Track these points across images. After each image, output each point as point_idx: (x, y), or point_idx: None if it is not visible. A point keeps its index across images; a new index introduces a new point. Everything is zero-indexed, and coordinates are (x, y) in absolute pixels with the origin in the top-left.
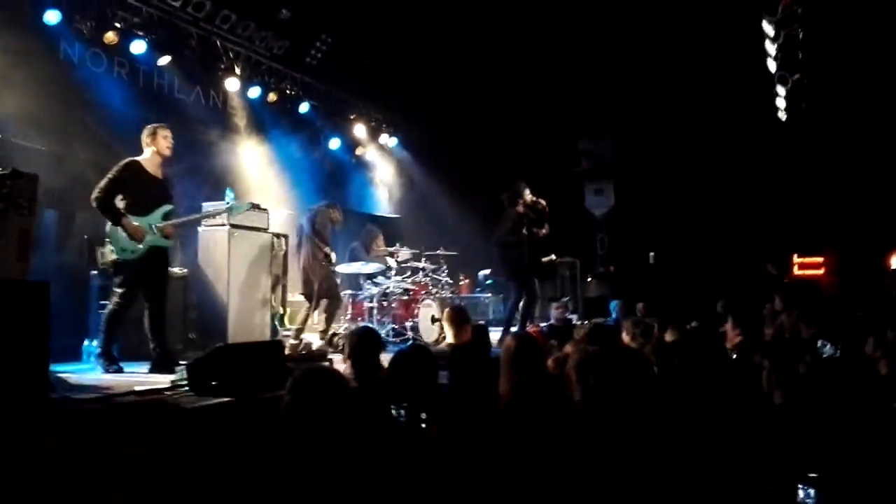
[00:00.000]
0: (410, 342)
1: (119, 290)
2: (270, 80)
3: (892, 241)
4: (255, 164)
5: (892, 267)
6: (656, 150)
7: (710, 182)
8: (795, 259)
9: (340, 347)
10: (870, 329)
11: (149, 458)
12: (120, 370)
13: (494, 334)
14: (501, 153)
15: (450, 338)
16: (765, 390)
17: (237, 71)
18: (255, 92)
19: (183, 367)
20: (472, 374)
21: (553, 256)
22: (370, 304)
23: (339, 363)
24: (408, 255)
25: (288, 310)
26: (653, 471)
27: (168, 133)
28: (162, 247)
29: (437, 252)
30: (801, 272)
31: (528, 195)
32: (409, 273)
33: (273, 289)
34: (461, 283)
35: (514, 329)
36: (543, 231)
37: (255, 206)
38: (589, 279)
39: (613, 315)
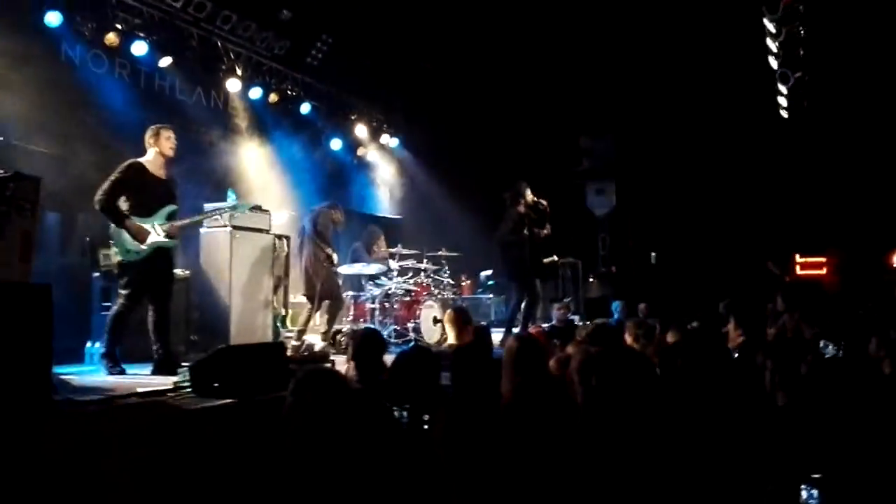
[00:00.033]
0: (412, 343)
1: (124, 292)
2: (271, 81)
3: (894, 240)
4: (256, 165)
5: (895, 266)
6: (658, 149)
7: (712, 181)
8: (797, 259)
9: (344, 346)
10: (872, 329)
11: (151, 460)
12: (122, 372)
13: (496, 335)
14: (503, 153)
15: (451, 339)
16: (767, 391)
17: (238, 72)
18: (256, 93)
19: (185, 368)
20: (474, 375)
21: (555, 257)
22: (372, 305)
23: (342, 364)
24: (409, 255)
25: (290, 311)
26: (655, 471)
27: (171, 134)
28: (166, 247)
29: (439, 253)
30: (803, 272)
31: (529, 195)
32: (410, 274)
33: (275, 290)
34: (463, 283)
35: (515, 330)
36: (545, 231)
37: (257, 208)
38: (591, 279)
39: (616, 316)
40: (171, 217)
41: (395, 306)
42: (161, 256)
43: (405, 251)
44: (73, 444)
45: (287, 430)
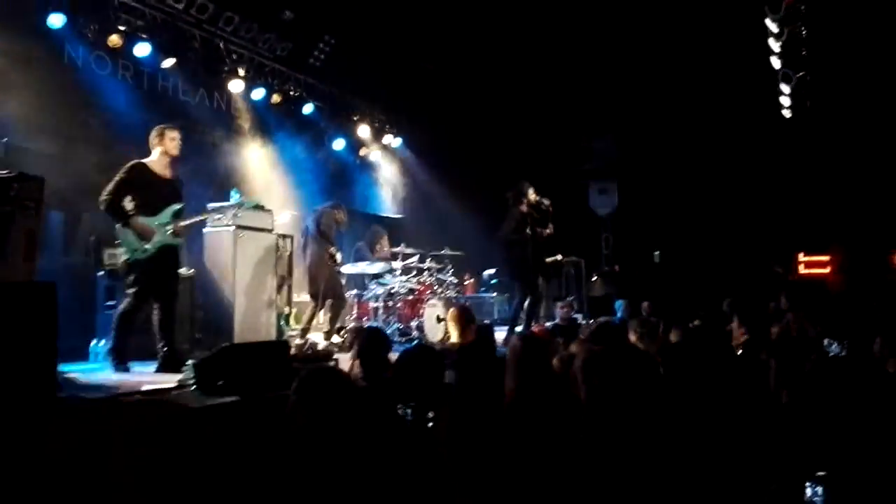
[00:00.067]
0: (416, 342)
1: (131, 291)
2: (274, 82)
3: None
4: (259, 165)
5: None
6: (661, 148)
7: (715, 181)
8: (801, 258)
9: (347, 343)
10: (876, 327)
11: (156, 458)
12: (127, 369)
13: (500, 334)
14: (506, 152)
15: (454, 337)
16: (771, 389)
17: (241, 73)
18: (258, 93)
19: (190, 366)
20: (477, 373)
21: (559, 257)
22: (375, 304)
23: (345, 362)
24: (412, 255)
25: (293, 310)
26: (659, 469)
27: (176, 134)
28: (172, 246)
29: (442, 252)
30: (806, 271)
31: (532, 194)
32: (414, 273)
33: (278, 289)
34: (466, 282)
35: (518, 329)
36: (547, 231)
37: (261, 207)
38: (594, 278)
39: (619, 314)
40: (176, 216)
41: (398, 305)
42: (167, 255)
43: (408, 250)
44: (78, 441)
45: (291, 429)
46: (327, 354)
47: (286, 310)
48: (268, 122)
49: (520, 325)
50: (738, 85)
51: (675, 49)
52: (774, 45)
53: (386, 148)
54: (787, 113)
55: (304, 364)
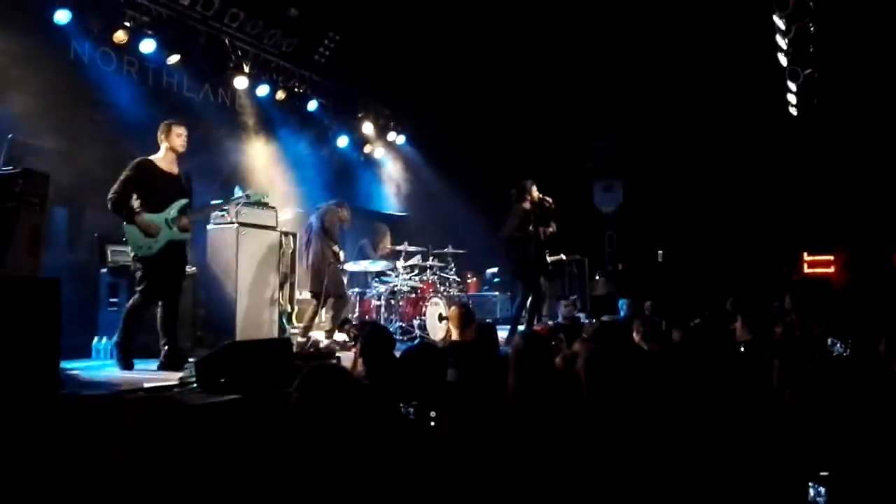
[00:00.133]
0: (418, 340)
1: (139, 287)
2: (279, 79)
3: None
4: (263, 162)
5: None
6: (666, 146)
7: (720, 179)
8: (806, 257)
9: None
10: (881, 327)
11: (158, 455)
12: (131, 366)
13: (502, 333)
14: (510, 150)
15: (454, 335)
16: (775, 388)
17: (246, 69)
18: (263, 90)
19: (192, 364)
20: (478, 372)
21: (563, 256)
22: (378, 302)
23: (347, 361)
24: (415, 252)
25: (296, 308)
26: (661, 467)
27: (182, 130)
28: (179, 241)
29: (446, 250)
30: (811, 270)
31: (535, 192)
32: (416, 271)
33: (281, 287)
34: (469, 281)
35: (520, 328)
36: (550, 229)
37: (264, 204)
38: (597, 277)
39: (622, 313)
40: (182, 211)
41: (400, 303)
42: (174, 251)
43: (411, 248)
44: (80, 438)
45: (293, 426)
46: (330, 352)
47: (288, 308)
48: (272, 119)
49: (522, 324)
50: (745, 82)
51: (682, 46)
52: (782, 42)
53: (390, 145)
54: (794, 111)
55: (307, 362)
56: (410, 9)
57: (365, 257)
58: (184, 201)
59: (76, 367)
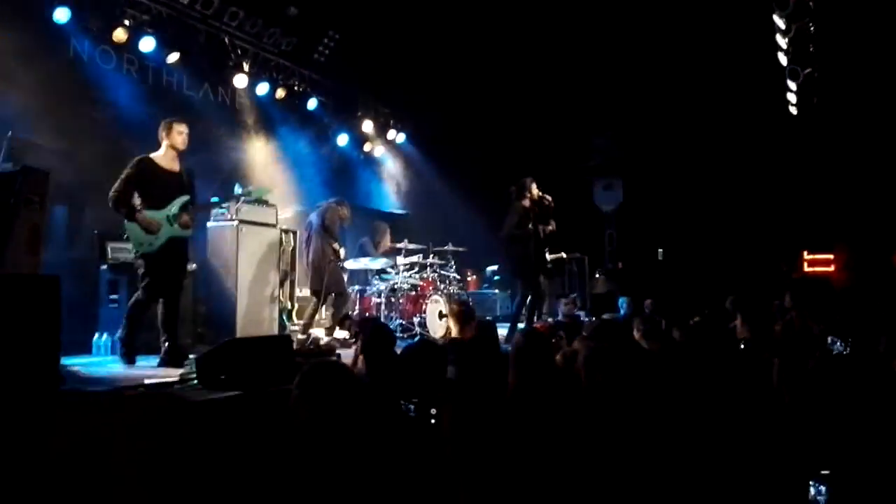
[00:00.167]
0: (418, 338)
1: (142, 283)
2: (278, 77)
3: None
4: (263, 160)
5: None
6: (666, 145)
7: (720, 178)
8: (805, 256)
9: (352, 334)
10: (881, 325)
11: (157, 451)
12: (133, 362)
13: (502, 331)
14: (510, 148)
15: (454, 333)
16: (774, 387)
17: (245, 68)
18: (263, 88)
19: (192, 360)
20: (477, 369)
21: (563, 254)
22: (378, 300)
23: (347, 358)
24: (414, 250)
25: (296, 305)
26: (661, 466)
27: (183, 128)
28: (180, 238)
29: (446, 248)
30: (811, 269)
31: (535, 190)
32: (416, 269)
33: (281, 284)
34: (469, 279)
35: (520, 326)
36: (550, 227)
37: (265, 202)
38: (597, 275)
39: (622, 312)
40: (184, 208)
41: (400, 301)
42: (175, 247)
43: (411, 246)
44: (81, 434)
45: (293, 423)
46: (330, 349)
47: (288, 305)
48: (272, 117)
49: (521, 322)
50: (745, 81)
51: (682, 45)
52: (782, 42)
53: (390, 143)
54: (793, 110)
55: (307, 359)
56: (410, 7)
57: (366, 255)
58: (185, 198)
59: (76, 364)
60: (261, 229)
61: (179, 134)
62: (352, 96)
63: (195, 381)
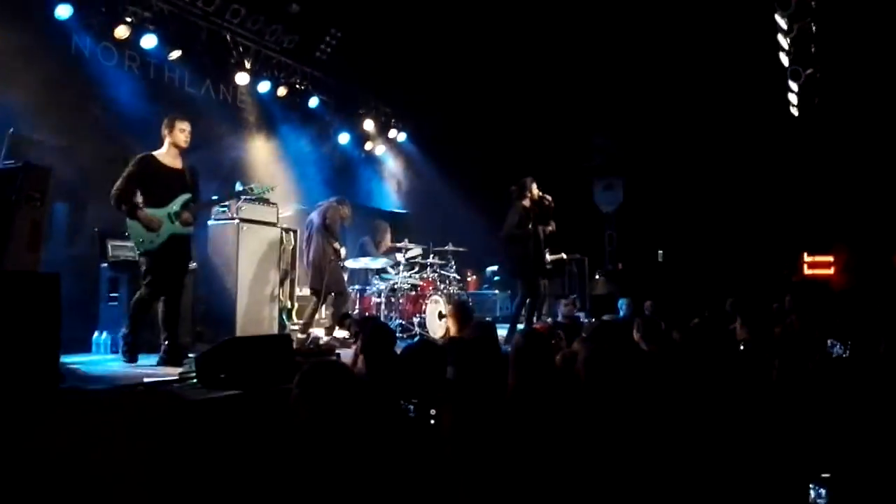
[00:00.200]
0: (418, 338)
1: (145, 281)
2: (280, 75)
3: None
4: (264, 158)
5: None
6: (666, 146)
7: (721, 179)
8: (805, 258)
9: (352, 334)
10: (880, 328)
11: (157, 450)
12: (134, 360)
13: (502, 332)
14: (511, 148)
15: (453, 332)
16: (774, 390)
17: (247, 65)
18: (264, 86)
19: (191, 359)
20: (476, 369)
21: (563, 255)
22: (378, 300)
23: (346, 357)
24: (415, 250)
25: (296, 304)
26: (661, 467)
27: (186, 125)
28: (181, 235)
29: (446, 248)
30: (810, 271)
31: (535, 190)
32: (416, 269)
33: (281, 283)
34: (469, 279)
35: (520, 326)
36: (550, 228)
37: (265, 201)
38: (597, 276)
39: (621, 313)
40: (186, 206)
41: (400, 301)
42: (177, 245)
43: (411, 245)
44: (80, 432)
45: (293, 423)
46: (330, 349)
47: (288, 304)
48: (273, 115)
49: (521, 322)
50: (747, 82)
51: (683, 45)
52: (783, 42)
53: (391, 142)
54: (795, 111)
55: (307, 358)
56: (412, 6)
57: (366, 255)
58: (187, 196)
59: (76, 362)
60: (261, 228)
61: (182, 131)
62: (353, 95)
63: (195, 380)
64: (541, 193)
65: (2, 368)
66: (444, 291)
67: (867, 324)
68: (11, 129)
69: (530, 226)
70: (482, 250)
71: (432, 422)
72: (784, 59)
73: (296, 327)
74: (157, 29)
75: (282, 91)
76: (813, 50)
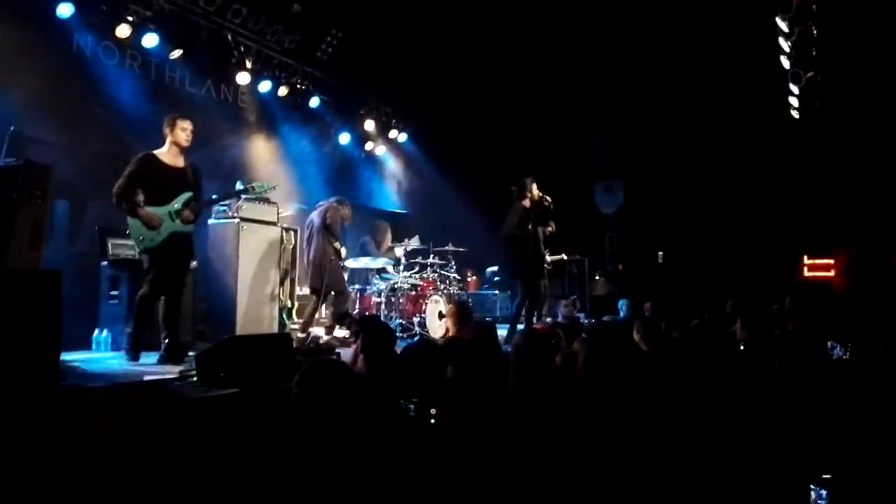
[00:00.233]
0: (418, 337)
1: (147, 278)
2: (281, 75)
3: None
4: (265, 158)
5: None
6: (667, 147)
7: (722, 181)
8: (806, 260)
9: (352, 333)
10: (880, 330)
11: (156, 447)
12: (136, 358)
13: (502, 332)
14: (512, 149)
15: (451, 332)
16: (774, 392)
17: (248, 65)
18: (265, 86)
19: (192, 357)
20: (475, 370)
21: (564, 256)
22: (378, 299)
23: (346, 356)
24: (414, 241)
25: (296, 304)
26: (661, 468)
27: (188, 124)
28: (182, 234)
29: (446, 248)
30: (811, 273)
31: (535, 190)
32: (417, 268)
33: (281, 282)
34: (469, 279)
35: (520, 327)
36: (549, 228)
37: (266, 200)
38: (597, 277)
39: (621, 314)
40: (187, 204)
41: (400, 300)
42: (178, 242)
43: (412, 245)
44: (80, 429)
45: (293, 422)
46: (330, 348)
47: (289, 303)
48: (274, 115)
49: (521, 323)
50: (747, 85)
51: (684, 47)
52: (784, 45)
53: (391, 143)
54: (795, 113)
55: (307, 357)
56: (413, 7)
57: (367, 255)
58: (188, 195)
59: (76, 359)
60: (262, 227)
61: (183, 130)
62: (354, 95)
63: (195, 379)
64: (540, 194)
65: (3, 365)
66: (445, 291)
67: (867, 326)
68: (12, 128)
69: (530, 226)
70: (482, 250)
71: (432, 421)
72: (785, 62)
73: (296, 326)
74: (158, 28)
75: (283, 91)
76: (814, 53)
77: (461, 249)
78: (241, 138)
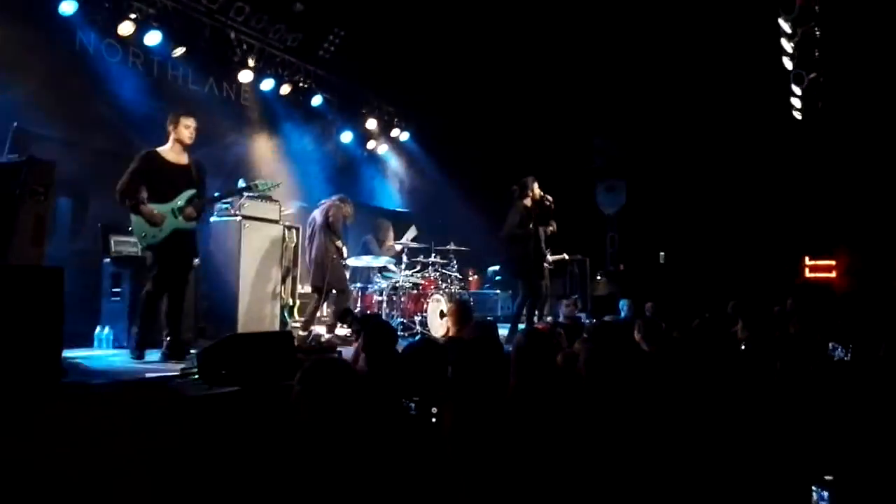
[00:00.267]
0: (419, 336)
1: (150, 275)
2: (283, 73)
3: None
4: (267, 156)
5: None
6: (669, 148)
7: (724, 182)
8: (807, 261)
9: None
10: (882, 331)
11: (158, 445)
12: (141, 356)
13: (503, 331)
14: (514, 149)
15: (452, 331)
16: (775, 393)
17: (251, 63)
18: (268, 84)
19: (193, 355)
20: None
21: (565, 256)
22: (380, 298)
23: (347, 355)
24: (412, 237)
25: (297, 302)
26: (662, 467)
27: (191, 122)
28: (185, 230)
29: (448, 247)
30: (812, 275)
31: (536, 189)
32: (418, 267)
33: (283, 280)
34: (471, 278)
35: (521, 326)
36: (550, 228)
37: (268, 198)
38: (598, 277)
39: (622, 314)
40: (190, 201)
41: (402, 299)
42: (180, 239)
43: (413, 245)
44: (82, 426)
45: (294, 419)
46: (331, 346)
47: (290, 302)
48: (276, 113)
49: (522, 322)
50: (750, 86)
51: (687, 48)
52: (787, 46)
53: (393, 142)
54: (798, 115)
55: (309, 355)
56: (415, 6)
57: (369, 253)
58: (191, 192)
59: (78, 356)
60: (263, 225)
61: (186, 128)
62: (356, 94)
63: (196, 376)
64: (542, 193)
65: (5, 362)
66: (446, 290)
67: (868, 327)
68: (16, 124)
69: (531, 226)
70: (484, 250)
71: (433, 420)
72: (787, 63)
73: (297, 324)
74: (161, 26)
75: (285, 89)
76: (816, 54)
77: (463, 248)
78: (243, 136)
